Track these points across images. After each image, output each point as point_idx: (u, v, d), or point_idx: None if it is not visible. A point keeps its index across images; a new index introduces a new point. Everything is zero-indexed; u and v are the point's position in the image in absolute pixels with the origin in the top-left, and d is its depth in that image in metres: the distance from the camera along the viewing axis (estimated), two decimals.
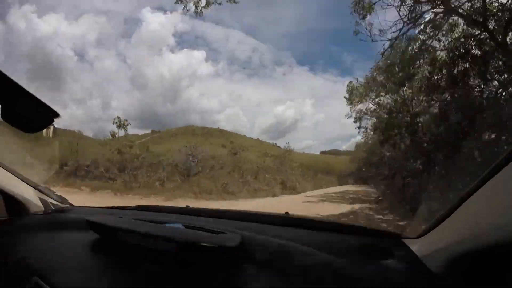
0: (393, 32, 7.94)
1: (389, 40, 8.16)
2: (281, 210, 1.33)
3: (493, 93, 7.18)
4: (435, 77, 8.49)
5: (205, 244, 0.77)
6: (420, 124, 9.86)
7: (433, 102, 9.17)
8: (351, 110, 14.61)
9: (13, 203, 1.15)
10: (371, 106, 14.24)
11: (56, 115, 0.76)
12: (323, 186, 21.91)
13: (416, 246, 0.78)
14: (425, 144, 9.01)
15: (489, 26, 6.79)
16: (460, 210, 0.61)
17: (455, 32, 8.35)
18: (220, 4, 8.20)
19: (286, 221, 1.09)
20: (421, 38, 8.70)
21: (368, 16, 7.92)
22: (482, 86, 7.39)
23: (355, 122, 14.86)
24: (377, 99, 13.46)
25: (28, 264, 0.88)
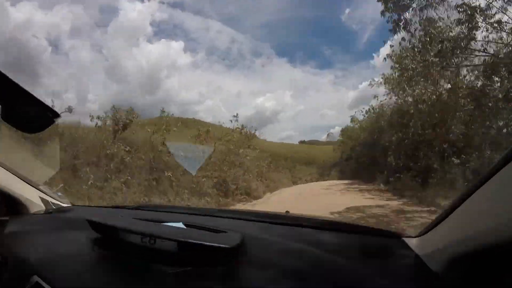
0: None
1: None
2: None
3: None
4: None
5: (206, 244, 0.77)
6: None
7: None
8: None
9: (14, 203, 1.15)
10: None
11: (56, 115, 0.76)
12: (301, 180, 16.82)
13: (416, 245, 0.78)
14: None
15: None
16: (460, 209, 0.60)
17: None
18: None
19: (287, 220, 1.09)
20: None
21: None
22: None
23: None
24: None
25: (29, 264, 0.88)
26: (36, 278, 0.79)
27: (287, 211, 1.27)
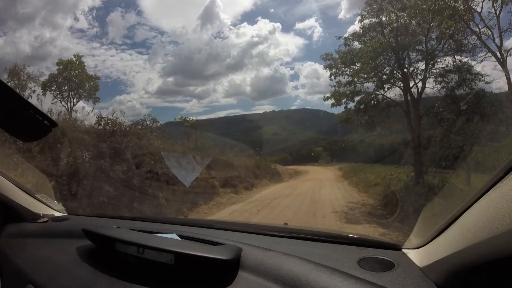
0: None
1: None
2: None
3: None
4: None
5: (203, 255, 0.76)
6: None
7: None
8: None
9: (10, 211, 1.14)
10: None
11: (54, 124, 0.75)
12: None
13: (416, 257, 0.78)
14: None
15: None
16: (459, 222, 0.61)
17: None
18: None
19: (285, 232, 1.08)
20: None
21: None
22: None
23: None
24: None
25: (24, 272, 0.87)
26: (31, 287, 0.78)
27: (285, 223, 1.26)
